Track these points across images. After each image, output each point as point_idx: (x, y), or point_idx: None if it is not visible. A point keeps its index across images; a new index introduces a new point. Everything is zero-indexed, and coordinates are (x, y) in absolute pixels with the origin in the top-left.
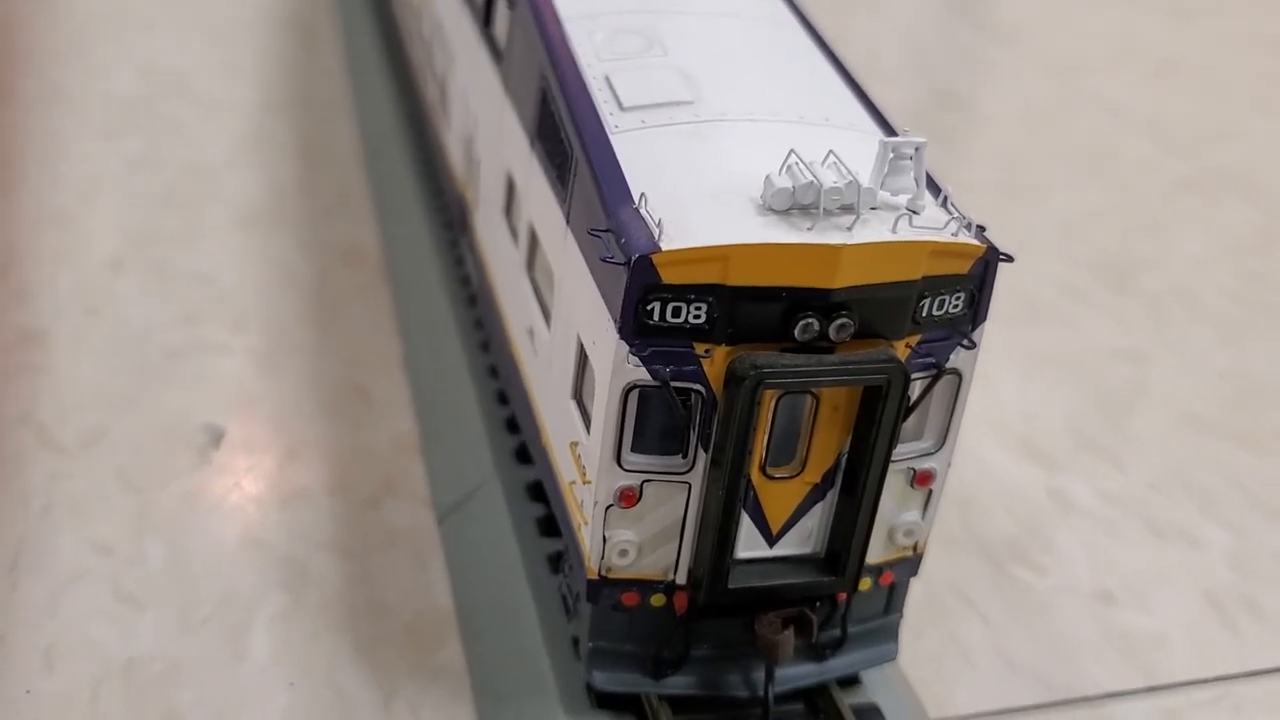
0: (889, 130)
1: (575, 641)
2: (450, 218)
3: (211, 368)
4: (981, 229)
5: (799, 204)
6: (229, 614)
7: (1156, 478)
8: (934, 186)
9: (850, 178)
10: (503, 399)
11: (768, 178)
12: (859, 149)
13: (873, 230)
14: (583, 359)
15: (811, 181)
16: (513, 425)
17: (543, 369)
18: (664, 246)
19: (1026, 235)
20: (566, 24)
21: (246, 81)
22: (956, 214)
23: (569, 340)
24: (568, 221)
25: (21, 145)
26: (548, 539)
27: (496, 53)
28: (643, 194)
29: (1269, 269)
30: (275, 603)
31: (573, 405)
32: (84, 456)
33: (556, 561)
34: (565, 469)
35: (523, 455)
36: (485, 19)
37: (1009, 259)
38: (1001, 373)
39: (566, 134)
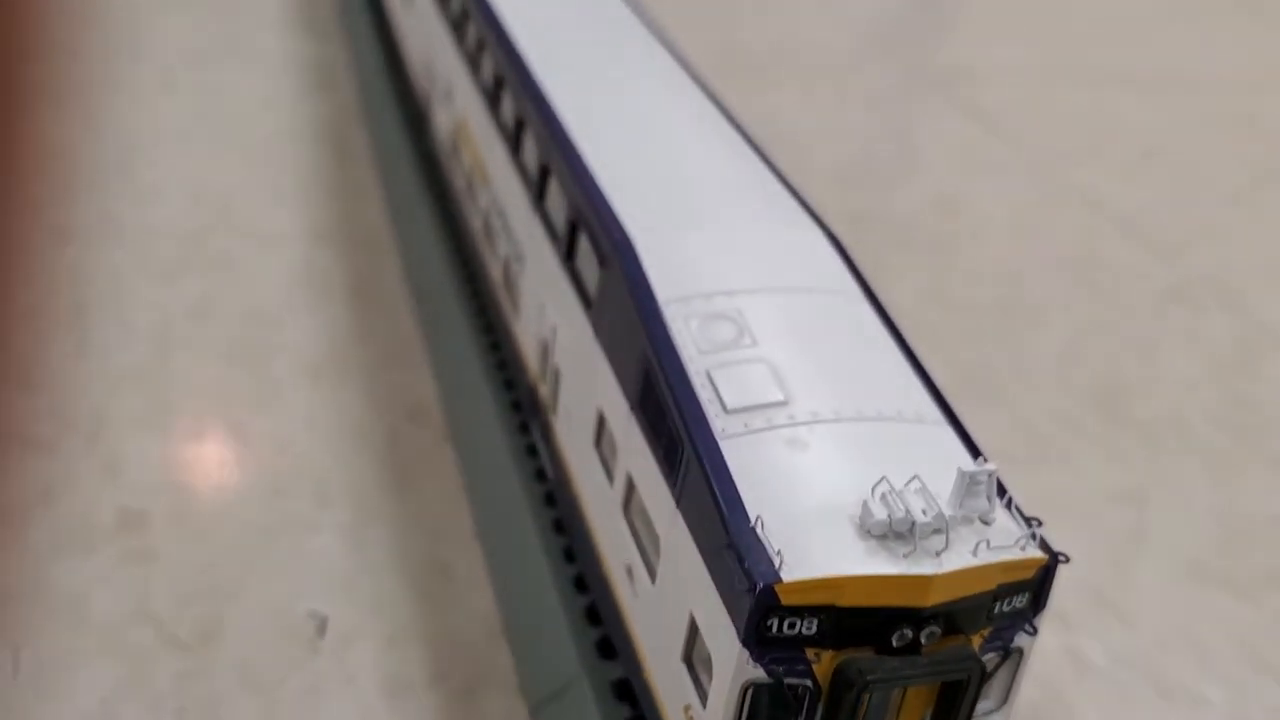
0: (950, 414)
1: None
2: (520, 400)
3: (304, 546)
4: (1039, 523)
5: (895, 532)
6: None
7: (1162, 633)
8: (1000, 489)
9: (937, 508)
10: (579, 585)
11: (866, 506)
12: (934, 448)
13: (957, 555)
14: (694, 629)
15: (906, 515)
16: (591, 614)
17: (644, 612)
18: (785, 578)
19: (1029, 361)
20: (664, 308)
21: (289, 207)
22: (1020, 521)
23: (680, 609)
24: (678, 504)
25: (88, 290)
26: None
27: (584, 295)
28: (759, 517)
29: (1250, 390)
30: None
31: (684, 668)
32: (205, 652)
33: None
34: (674, 712)
35: (604, 649)
36: (568, 254)
37: (1066, 559)
38: None
39: (676, 428)
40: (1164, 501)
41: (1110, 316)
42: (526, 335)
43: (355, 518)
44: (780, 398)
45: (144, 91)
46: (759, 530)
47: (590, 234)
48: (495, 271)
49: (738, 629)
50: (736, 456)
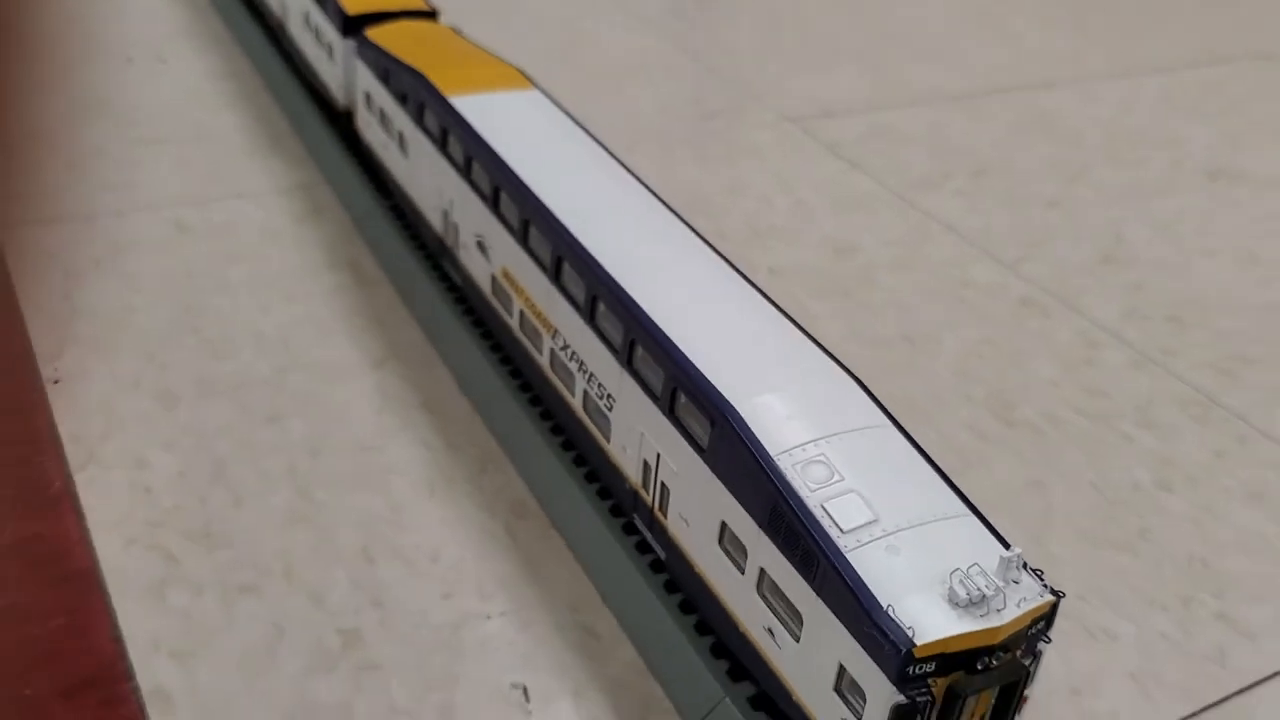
0: (970, 505)
1: None
2: (612, 493)
3: (485, 633)
4: (1040, 574)
5: (971, 601)
6: None
7: (1079, 589)
8: (1005, 543)
9: (995, 583)
10: (700, 629)
11: (950, 587)
12: (973, 535)
13: (1009, 610)
14: (842, 671)
15: (979, 590)
16: (715, 650)
17: (791, 659)
18: (918, 643)
19: (936, 384)
20: (776, 459)
21: (338, 335)
22: (1038, 577)
23: (829, 660)
24: (818, 594)
25: (217, 447)
26: None
27: (691, 439)
28: (890, 605)
29: (1096, 379)
30: None
31: (836, 696)
32: None
33: None
34: None
35: (734, 674)
36: (670, 408)
37: (1063, 595)
38: None
39: (811, 547)
40: (1058, 484)
41: (985, 331)
42: (622, 454)
43: (511, 603)
44: (873, 517)
45: (164, 240)
46: (892, 613)
47: (692, 396)
48: (572, 399)
49: (887, 674)
50: (860, 564)
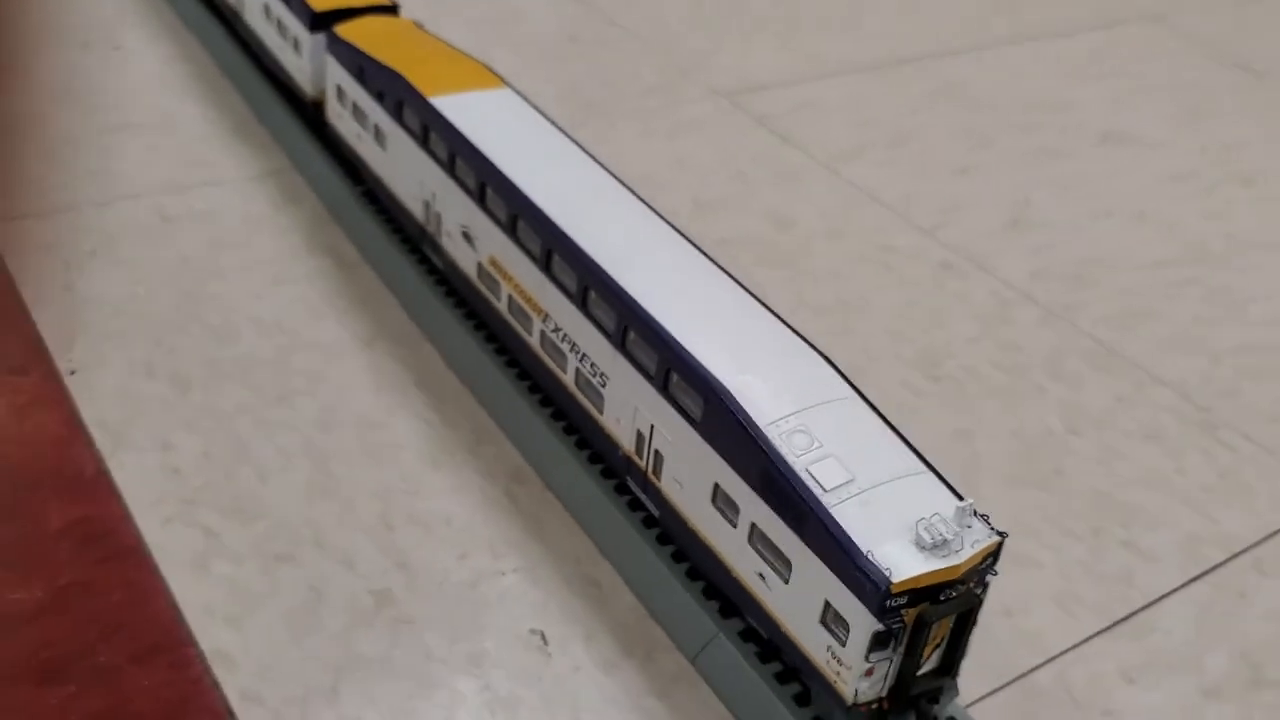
0: (926, 462)
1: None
2: (605, 460)
3: (501, 588)
4: (987, 518)
5: (935, 545)
6: None
7: (1007, 524)
8: (958, 495)
9: (959, 529)
10: (692, 575)
11: (917, 533)
12: (930, 489)
13: (965, 551)
14: (828, 606)
15: (941, 536)
16: (706, 592)
17: (781, 599)
18: (894, 580)
19: (872, 344)
20: (765, 430)
21: (329, 319)
22: (985, 521)
23: (816, 598)
24: (806, 544)
25: (236, 426)
26: (772, 666)
27: (684, 413)
28: (869, 550)
29: (1011, 335)
30: None
31: (822, 628)
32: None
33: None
34: (818, 652)
35: (724, 612)
36: (664, 385)
37: (1007, 535)
38: None
39: (802, 506)
40: (982, 433)
41: (910, 295)
42: (616, 425)
43: (522, 560)
44: (849, 477)
45: (152, 228)
46: (871, 558)
47: (685, 375)
48: (564, 375)
49: (869, 608)
50: (841, 517)
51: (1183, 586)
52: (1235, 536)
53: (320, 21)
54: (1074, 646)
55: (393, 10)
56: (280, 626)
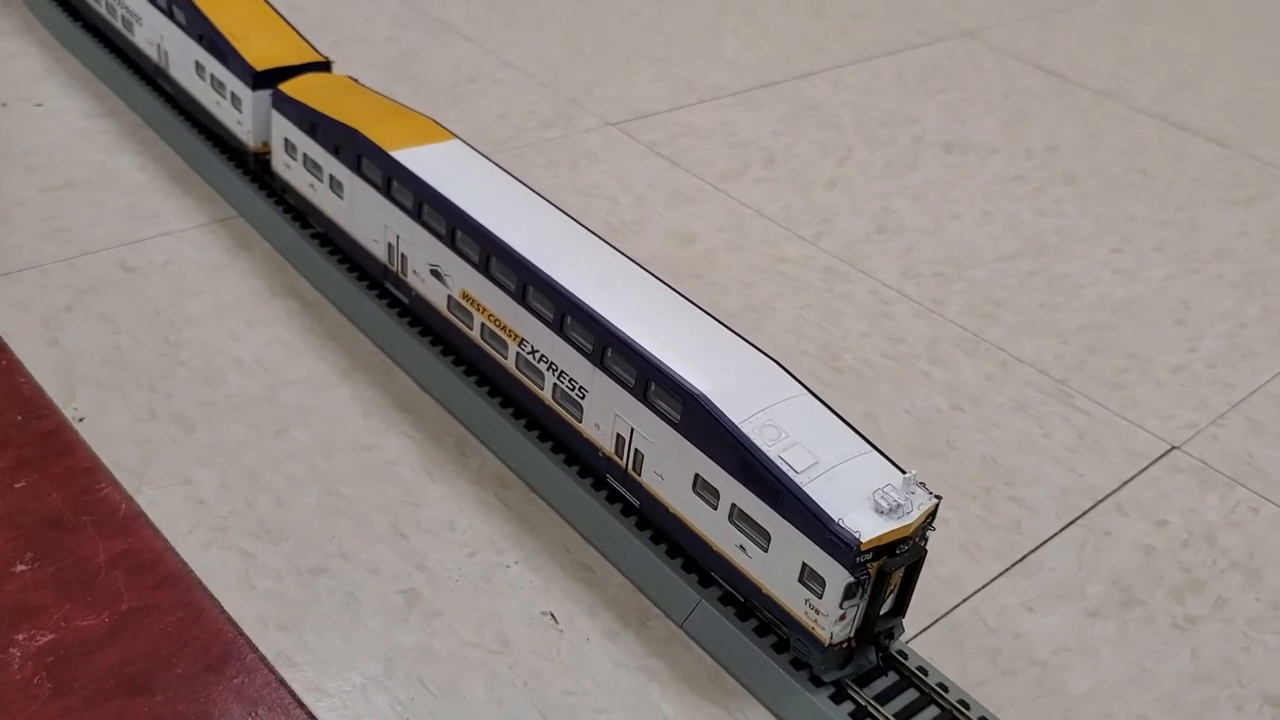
0: (870, 444)
1: (800, 663)
2: (581, 460)
3: (509, 576)
4: (925, 485)
5: (890, 510)
6: None
7: None
8: (900, 469)
9: (907, 495)
10: (671, 553)
11: (875, 500)
12: (879, 466)
13: (914, 513)
14: (805, 566)
15: (894, 501)
16: (687, 567)
17: (760, 565)
18: (863, 540)
19: (779, 343)
20: (742, 427)
21: (306, 355)
22: (924, 488)
23: (794, 562)
24: (783, 517)
25: (245, 459)
26: (750, 619)
27: (664, 416)
28: (840, 518)
29: (893, 329)
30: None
31: (800, 585)
32: (507, 653)
33: (764, 629)
34: (797, 606)
35: (704, 582)
36: (643, 393)
37: (941, 498)
38: None
39: (779, 486)
40: (884, 414)
41: (805, 298)
42: (595, 430)
43: (521, 553)
44: (814, 460)
45: (119, 281)
46: (842, 523)
47: (662, 385)
48: (541, 391)
49: (843, 565)
50: (813, 492)
51: (1061, 530)
52: (1097, 486)
53: (263, 80)
54: (983, 587)
55: (326, 66)
56: (329, 628)
